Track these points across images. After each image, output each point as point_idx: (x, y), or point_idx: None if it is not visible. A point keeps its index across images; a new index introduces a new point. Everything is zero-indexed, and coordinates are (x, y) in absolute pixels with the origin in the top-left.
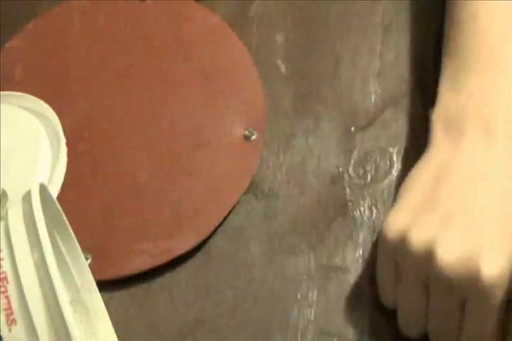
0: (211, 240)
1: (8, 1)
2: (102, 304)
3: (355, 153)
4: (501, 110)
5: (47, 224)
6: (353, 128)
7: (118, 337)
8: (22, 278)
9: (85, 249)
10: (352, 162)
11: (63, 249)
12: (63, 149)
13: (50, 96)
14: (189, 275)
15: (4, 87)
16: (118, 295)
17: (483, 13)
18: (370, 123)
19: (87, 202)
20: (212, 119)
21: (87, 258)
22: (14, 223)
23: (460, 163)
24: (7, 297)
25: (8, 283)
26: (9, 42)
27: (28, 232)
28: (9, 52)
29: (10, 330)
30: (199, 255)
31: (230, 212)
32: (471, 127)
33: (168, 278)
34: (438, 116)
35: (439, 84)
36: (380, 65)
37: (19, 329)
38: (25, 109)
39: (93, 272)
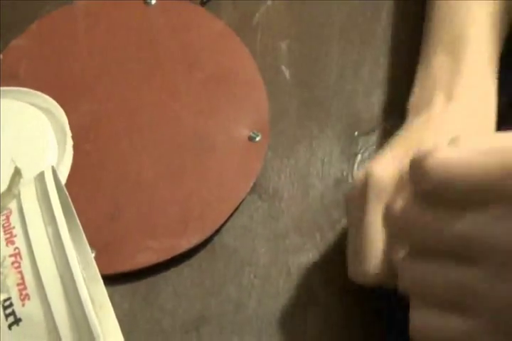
0: (216, 238)
1: (14, 1)
2: (107, 297)
3: (359, 157)
4: (464, 77)
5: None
6: (356, 133)
7: (122, 331)
8: (36, 254)
9: (90, 244)
10: (355, 166)
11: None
12: (69, 143)
13: (54, 96)
14: (193, 272)
15: (8, 85)
16: (122, 289)
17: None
18: (373, 130)
19: (92, 199)
20: (218, 121)
21: (91, 252)
22: (27, 200)
23: (428, 126)
24: (20, 272)
25: (21, 258)
26: (14, 40)
27: (41, 208)
28: (14, 51)
29: (23, 305)
30: (204, 252)
31: (234, 212)
32: (437, 96)
33: (172, 274)
34: (412, 94)
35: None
36: (383, 73)
37: (33, 305)
38: (31, 104)
39: (98, 266)
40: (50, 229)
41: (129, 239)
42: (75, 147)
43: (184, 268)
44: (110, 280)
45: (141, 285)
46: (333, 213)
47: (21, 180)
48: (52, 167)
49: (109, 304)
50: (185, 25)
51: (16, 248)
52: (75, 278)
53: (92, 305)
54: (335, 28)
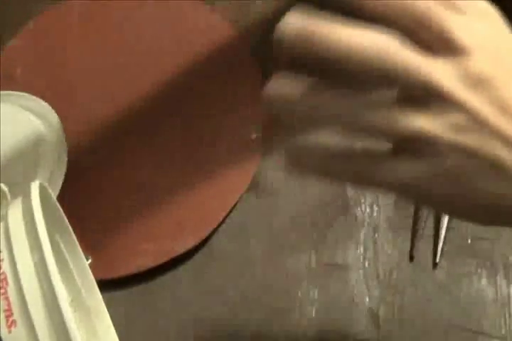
0: (212, 239)
1: (9, 0)
2: (103, 304)
3: None
4: None
5: (47, 224)
6: None
7: (119, 337)
8: (22, 280)
9: (86, 249)
10: None
11: (64, 248)
12: (64, 148)
13: (50, 96)
14: (190, 274)
15: (5, 87)
16: (119, 294)
17: None
18: None
19: (88, 202)
20: (214, 119)
21: (87, 258)
22: (14, 224)
23: None
24: (7, 298)
25: (7, 284)
26: (10, 41)
27: (27, 233)
28: (10, 52)
29: (10, 332)
30: (200, 254)
31: (231, 211)
32: None
33: (169, 277)
34: None
35: None
36: None
37: (19, 331)
38: (26, 108)
39: (94, 272)
40: (36, 254)
41: (125, 243)
42: (71, 152)
43: (181, 271)
44: (107, 284)
45: (138, 289)
46: (330, 210)
47: (9, 199)
48: (41, 184)
49: (106, 310)
50: (182, 20)
51: (3, 273)
52: (61, 305)
53: (88, 312)
54: None
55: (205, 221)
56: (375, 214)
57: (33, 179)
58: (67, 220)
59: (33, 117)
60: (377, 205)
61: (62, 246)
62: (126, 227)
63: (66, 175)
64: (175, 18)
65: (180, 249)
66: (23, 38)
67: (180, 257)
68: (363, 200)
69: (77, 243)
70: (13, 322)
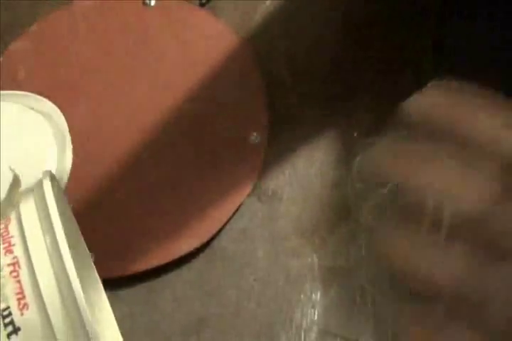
0: (215, 241)
1: (12, 2)
2: (106, 300)
3: (359, 158)
4: None
5: None
6: (356, 134)
7: (122, 335)
8: (34, 263)
9: (89, 248)
10: (355, 167)
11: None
12: (69, 147)
13: (53, 98)
14: (193, 275)
15: (7, 88)
16: (122, 293)
17: None
18: (373, 131)
19: (92, 201)
20: (216, 123)
21: (91, 255)
22: (26, 209)
23: None
24: (19, 282)
25: (20, 268)
26: (13, 43)
27: (39, 217)
28: (13, 54)
29: (22, 314)
30: (203, 255)
31: (233, 214)
32: None
33: (172, 277)
34: None
35: None
36: (385, 72)
37: (31, 314)
38: (31, 107)
39: (97, 271)
40: (48, 238)
41: (129, 243)
42: (75, 151)
43: (183, 272)
44: (110, 283)
45: (141, 288)
46: (332, 214)
47: (20, 188)
48: (51, 173)
49: (109, 308)
50: (185, 26)
51: (15, 257)
52: (73, 286)
53: (92, 310)
54: (334, 27)
55: (209, 223)
56: (376, 220)
57: (39, 174)
58: (72, 214)
59: (37, 115)
60: (379, 212)
61: None
62: (129, 227)
63: (71, 174)
64: (178, 22)
65: (184, 249)
66: (27, 39)
67: (183, 258)
68: (364, 206)
69: (82, 238)
70: (25, 305)
